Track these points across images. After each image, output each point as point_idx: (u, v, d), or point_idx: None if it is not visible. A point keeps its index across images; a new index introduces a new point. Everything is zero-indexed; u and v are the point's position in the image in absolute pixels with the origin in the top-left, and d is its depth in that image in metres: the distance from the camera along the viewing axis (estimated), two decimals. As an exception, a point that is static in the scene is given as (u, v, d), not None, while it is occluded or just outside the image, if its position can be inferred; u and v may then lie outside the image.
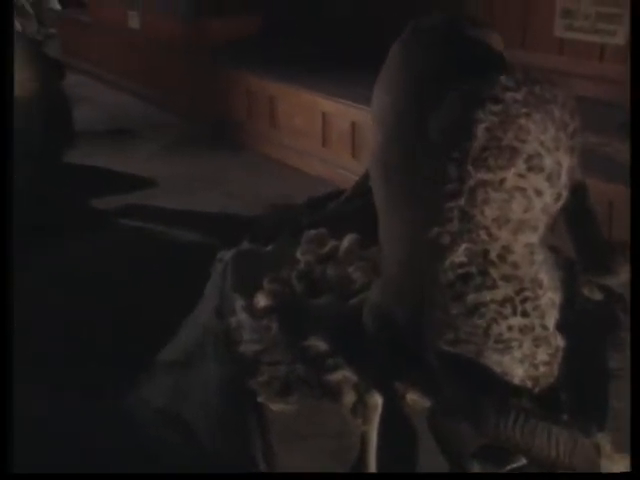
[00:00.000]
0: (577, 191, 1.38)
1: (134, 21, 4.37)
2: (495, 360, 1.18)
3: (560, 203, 1.26)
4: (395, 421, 1.36)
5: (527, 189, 1.17)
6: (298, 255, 1.66)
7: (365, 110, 3.06)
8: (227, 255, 1.72)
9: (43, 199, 2.45)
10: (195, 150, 3.69)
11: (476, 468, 1.27)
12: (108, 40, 4.71)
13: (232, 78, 3.73)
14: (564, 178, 1.25)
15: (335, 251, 1.64)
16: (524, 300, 1.16)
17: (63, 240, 2.63)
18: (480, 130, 1.18)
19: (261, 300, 1.52)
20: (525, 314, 1.16)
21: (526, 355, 1.16)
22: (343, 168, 3.16)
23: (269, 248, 1.73)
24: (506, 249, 1.18)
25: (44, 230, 2.48)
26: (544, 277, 1.20)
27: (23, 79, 2.32)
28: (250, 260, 1.67)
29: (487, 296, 1.16)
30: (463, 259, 1.18)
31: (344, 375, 1.36)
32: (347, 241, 1.64)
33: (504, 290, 1.16)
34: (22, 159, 2.32)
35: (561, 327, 1.21)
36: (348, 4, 3.82)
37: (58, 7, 5.57)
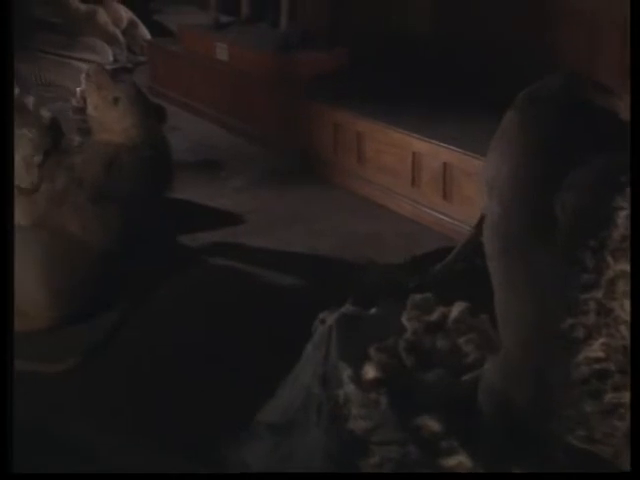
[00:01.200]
0: None
1: (222, 53, 4.43)
2: (634, 465, 1.10)
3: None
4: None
5: (672, 282, 1.10)
6: (404, 321, 1.62)
7: (458, 152, 3.00)
8: (330, 318, 1.68)
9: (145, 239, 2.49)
10: (281, 184, 3.69)
11: None
12: (196, 70, 4.79)
13: (319, 112, 3.73)
14: None
15: (444, 319, 1.59)
16: (669, 404, 1.08)
17: (157, 278, 2.66)
18: (621, 218, 1.11)
19: (369, 371, 1.48)
20: (670, 419, 1.08)
21: (671, 463, 1.08)
22: (433, 209, 3.10)
23: (373, 312, 1.69)
24: (648, 346, 1.10)
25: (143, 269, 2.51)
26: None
27: (128, 125, 2.37)
28: (355, 325, 1.63)
29: (628, 397, 1.09)
30: (600, 355, 1.11)
31: (459, 460, 1.31)
32: (456, 310, 1.59)
33: (646, 391, 1.09)
34: (127, 206, 2.37)
35: None
36: (441, 41, 3.77)
37: (148, 36, 5.72)
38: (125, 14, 5.75)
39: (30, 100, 2.37)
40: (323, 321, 1.72)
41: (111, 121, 2.37)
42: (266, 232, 3.17)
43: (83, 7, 5.59)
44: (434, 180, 3.09)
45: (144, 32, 5.74)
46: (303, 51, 4.07)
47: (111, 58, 5.45)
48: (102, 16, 5.60)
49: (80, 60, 5.38)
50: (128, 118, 2.37)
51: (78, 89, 2.42)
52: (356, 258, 2.81)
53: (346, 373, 1.50)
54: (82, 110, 2.41)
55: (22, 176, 2.28)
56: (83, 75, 2.39)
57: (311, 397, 1.60)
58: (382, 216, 3.32)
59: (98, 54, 5.40)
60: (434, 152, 3.08)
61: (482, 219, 1.83)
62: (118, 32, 5.61)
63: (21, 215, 2.30)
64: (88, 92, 2.38)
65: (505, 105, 1.55)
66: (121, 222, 2.39)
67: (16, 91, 2.41)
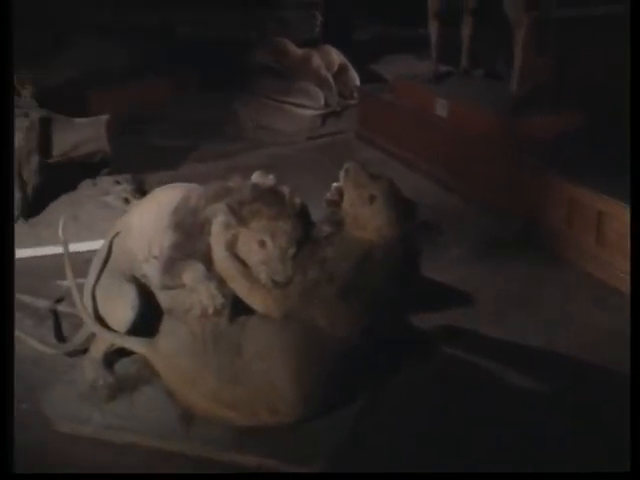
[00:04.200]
0: None
1: (442, 109, 4.34)
2: None
3: None
4: None
5: None
6: None
7: None
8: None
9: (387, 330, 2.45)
10: (506, 257, 3.49)
11: None
12: (409, 121, 4.73)
13: (551, 183, 3.51)
14: None
15: None
16: None
17: (392, 367, 2.59)
18: None
19: None
20: None
21: None
22: (693, 312, 2.78)
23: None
24: None
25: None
26: None
27: (382, 224, 2.33)
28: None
29: None
30: None
31: None
32: None
33: None
34: (374, 302, 2.33)
35: None
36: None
37: (357, 80, 5.76)
38: (337, 57, 5.83)
39: (286, 190, 2.39)
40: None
41: (365, 218, 2.34)
42: (496, 317, 3.00)
43: (299, 52, 5.75)
44: (695, 279, 2.76)
45: (354, 76, 5.79)
46: (534, 114, 3.88)
47: (323, 102, 5.55)
48: (316, 60, 5.72)
49: (294, 105, 5.54)
50: (383, 216, 2.33)
51: (334, 184, 2.42)
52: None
53: None
54: (336, 203, 2.40)
55: (277, 269, 2.31)
56: (342, 172, 2.38)
57: None
58: (626, 308, 3.03)
59: (311, 99, 5.52)
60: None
61: None
62: (330, 76, 5.70)
63: (274, 307, 2.33)
64: (346, 189, 2.36)
65: None
66: (367, 317, 2.35)
67: (272, 180, 2.43)
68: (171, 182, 4.55)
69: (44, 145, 3.60)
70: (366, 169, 2.40)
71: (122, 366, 2.55)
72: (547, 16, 4.01)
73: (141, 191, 4.17)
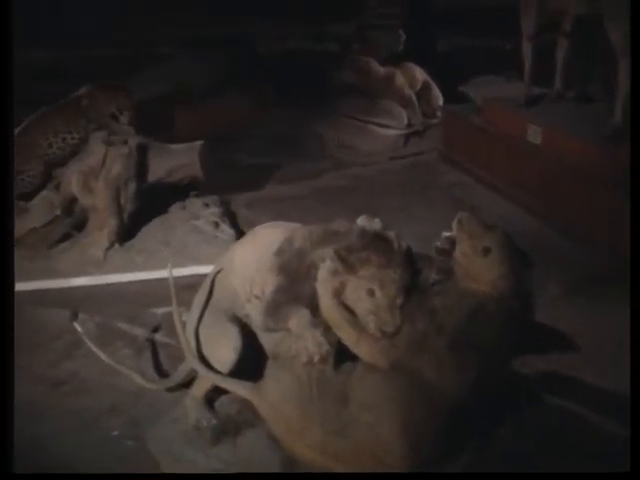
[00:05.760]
0: None
1: (535, 136, 4.21)
2: None
3: None
4: None
5: None
6: None
7: None
8: None
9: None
10: (605, 297, 3.37)
11: None
12: (498, 145, 4.62)
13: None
14: None
15: None
16: None
17: (498, 416, 2.52)
18: None
19: None
20: None
21: None
22: None
23: None
24: None
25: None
26: None
27: (497, 277, 2.26)
28: None
29: None
30: None
31: None
32: None
33: None
34: (485, 356, 2.26)
35: None
36: None
37: (440, 98, 5.67)
38: (420, 76, 5.76)
39: (392, 235, 2.34)
40: None
41: (478, 270, 2.28)
42: (600, 365, 2.89)
43: (382, 70, 5.70)
44: None
45: (437, 94, 5.70)
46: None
47: (406, 122, 5.49)
48: (399, 78, 5.66)
49: (377, 125, 5.49)
50: (497, 269, 2.26)
51: (445, 234, 2.36)
52: None
53: None
54: (447, 253, 2.34)
55: (386, 319, 2.25)
56: (455, 222, 2.32)
57: None
58: None
59: (394, 118, 5.46)
60: None
61: None
62: (413, 95, 5.63)
63: (381, 357, 2.28)
64: (458, 239, 2.30)
65: None
66: (476, 370, 2.28)
67: (378, 224, 2.38)
68: (257, 203, 4.62)
69: (141, 172, 3.66)
70: (480, 219, 2.33)
71: (221, 405, 2.55)
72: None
73: (229, 213, 4.22)
